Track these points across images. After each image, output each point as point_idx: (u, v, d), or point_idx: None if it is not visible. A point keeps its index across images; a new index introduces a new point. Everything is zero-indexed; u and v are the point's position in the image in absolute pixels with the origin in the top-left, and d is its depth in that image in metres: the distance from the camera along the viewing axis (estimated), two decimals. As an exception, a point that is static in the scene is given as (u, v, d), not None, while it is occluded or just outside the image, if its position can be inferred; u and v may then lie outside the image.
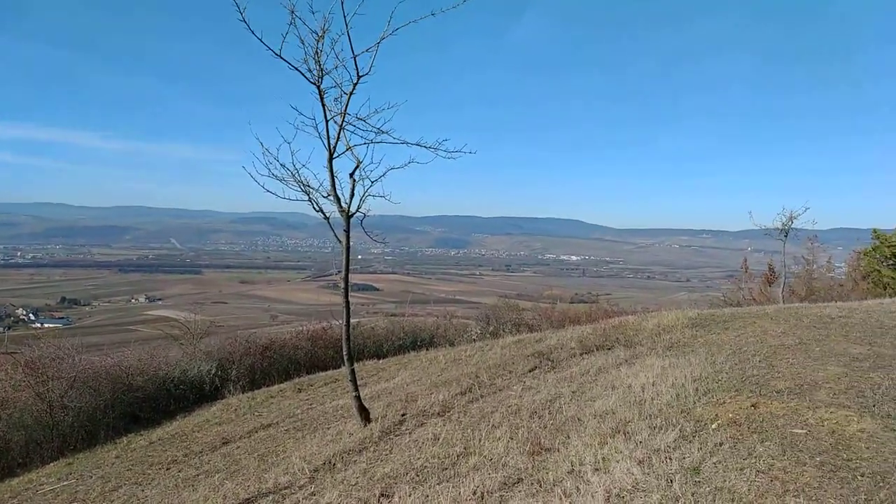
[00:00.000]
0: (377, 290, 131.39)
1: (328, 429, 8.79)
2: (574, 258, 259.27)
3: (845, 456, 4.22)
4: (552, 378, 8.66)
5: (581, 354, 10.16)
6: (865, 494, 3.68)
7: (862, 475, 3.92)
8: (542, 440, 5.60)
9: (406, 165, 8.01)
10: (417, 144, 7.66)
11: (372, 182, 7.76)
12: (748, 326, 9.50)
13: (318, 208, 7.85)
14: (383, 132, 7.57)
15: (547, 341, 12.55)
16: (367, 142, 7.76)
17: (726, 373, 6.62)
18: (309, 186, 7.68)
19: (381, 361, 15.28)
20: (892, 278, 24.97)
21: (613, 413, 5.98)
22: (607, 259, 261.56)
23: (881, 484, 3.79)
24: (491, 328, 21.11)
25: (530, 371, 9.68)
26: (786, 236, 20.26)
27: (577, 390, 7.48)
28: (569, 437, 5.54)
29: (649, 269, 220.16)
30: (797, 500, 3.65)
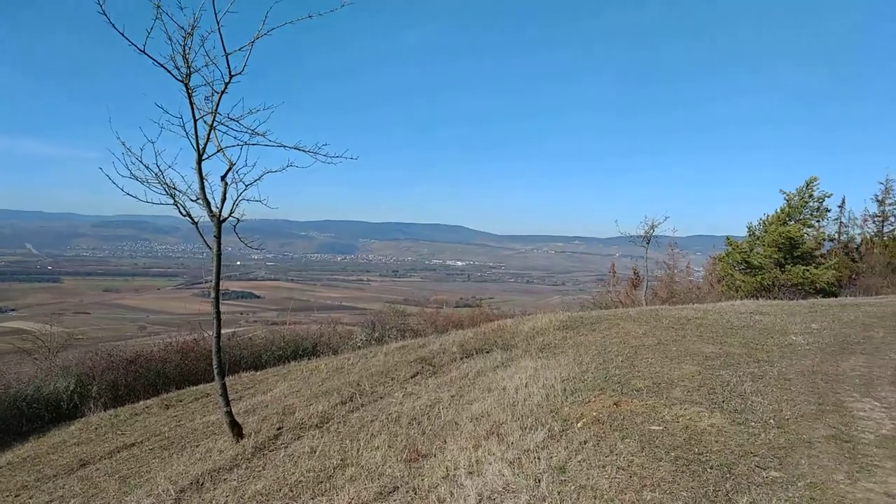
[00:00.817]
0: (258, 297, 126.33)
1: (197, 446, 8.29)
2: (459, 263, 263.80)
3: (697, 450, 4.56)
4: (433, 383, 8.72)
5: (462, 358, 10.33)
6: (714, 486, 3.99)
7: (711, 468, 4.25)
8: (420, 447, 5.61)
9: (284, 169, 7.75)
10: (295, 148, 7.44)
11: (246, 185, 7.42)
12: (613, 328, 10.09)
13: (185, 212, 7.40)
14: (258, 134, 7.28)
15: (430, 346, 12.65)
16: (240, 143, 7.42)
17: (592, 373, 6.97)
18: (175, 189, 7.21)
19: (258, 373, 14.68)
20: (743, 281, 27.56)
21: (488, 415, 6.11)
22: (490, 264, 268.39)
23: (727, 475, 4.13)
24: (376, 335, 20.95)
25: (412, 377, 9.70)
26: (648, 243, 21.81)
27: (456, 394, 7.58)
28: (445, 442, 5.58)
29: (528, 274, 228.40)
30: (653, 494, 3.90)
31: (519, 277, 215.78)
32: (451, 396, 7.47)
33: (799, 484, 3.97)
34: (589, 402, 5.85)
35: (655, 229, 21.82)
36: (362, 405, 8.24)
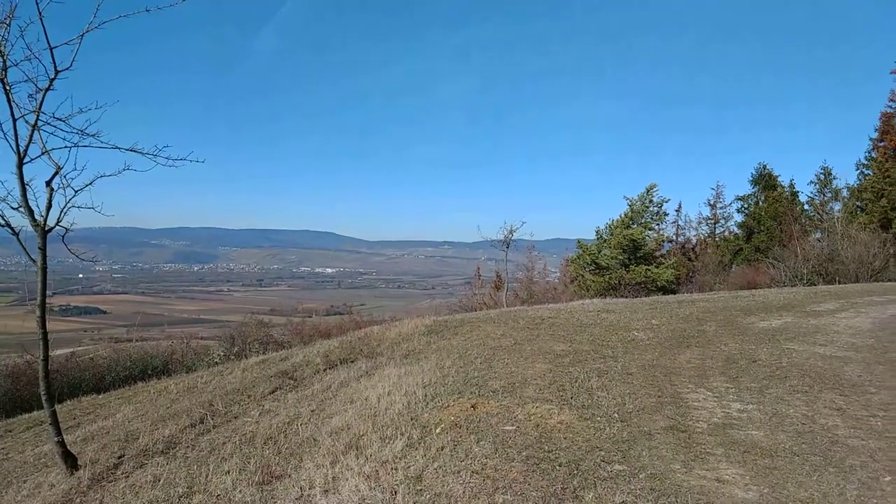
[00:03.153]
0: (104, 312, 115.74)
1: (25, 482, 7.35)
2: (329, 270, 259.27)
3: (547, 448, 4.72)
4: (293, 398, 8.39)
5: (325, 370, 10.06)
6: (562, 483, 4.13)
7: (560, 465, 4.41)
8: (274, 467, 5.34)
9: (120, 173, 7.05)
10: (132, 150, 6.81)
11: (76, 191, 6.70)
12: (474, 331, 10.32)
13: (3, 222, 6.55)
14: (89, 135, 6.60)
15: (293, 359, 12.22)
16: (70, 145, 6.70)
17: (452, 376, 7.06)
18: (-8, 196, 6.36)
19: (101, 396, 13.37)
20: (593, 281, 29.43)
21: (349, 428, 5.96)
22: (361, 270, 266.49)
23: (575, 472, 4.30)
24: (236, 349, 19.91)
25: (271, 393, 9.28)
26: (507, 247, 22.68)
27: (316, 409, 7.34)
28: (302, 460, 5.36)
29: (400, 279, 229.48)
30: (504, 496, 3.97)
31: (391, 283, 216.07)
32: (312, 411, 7.23)
33: (640, 476, 4.22)
34: (448, 406, 5.89)
35: (514, 234, 22.79)
36: (214, 427, 7.74)
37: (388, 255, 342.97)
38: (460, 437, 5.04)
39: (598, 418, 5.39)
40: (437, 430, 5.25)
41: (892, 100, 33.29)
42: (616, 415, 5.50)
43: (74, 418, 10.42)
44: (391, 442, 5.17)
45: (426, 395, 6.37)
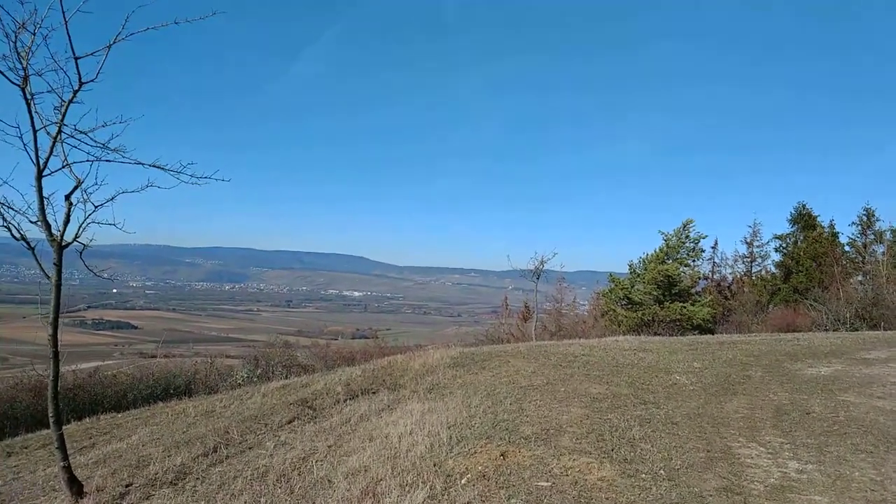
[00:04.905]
0: (135, 327, 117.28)
1: (30, 507, 7.06)
2: (357, 294, 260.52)
3: (586, 508, 4.21)
4: (311, 430, 7.98)
5: (346, 400, 9.64)
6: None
7: (601, 530, 3.90)
8: (285, 511, 4.91)
9: (143, 189, 6.87)
10: (154, 166, 6.59)
11: (96, 207, 6.48)
12: (503, 366, 9.81)
13: (19, 235, 6.35)
14: (111, 149, 6.40)
15: (314, 386, 11.84)
16: (92, 159, 6.50)
17: (479, 417, 6.57)
18: (10, 208, 6.17)
19: (120, 415, 13.14)
20: (625, 316, 28.60)
21: (366, 470, 5.51)
22: (388, 295, 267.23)
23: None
24: (259, 371, 19.67)
25: (289, 422, 8.88)
26: (538, 278, 22.14)
27: (334, 444, 6.91)
28: (314, 505, 4.93)
29: (426, 305, 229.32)
30: (538, 565, 3.47)
31: (417, 308, 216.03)
32: (329, 447, 6.80)
33: (691, 546, 3.70)
34: (475, 453, 5.40)
35: (545, 264, 22.24)
36: (227, 457, 7.35)
37: (416, 280, 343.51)
38: (489, 491, 4.55)
39: (643, 475, 4.85)
40: (463, 482, 4.77)
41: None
42: (662, 472, 4.96)
43: (90, 438, 10.16)
44: (411, 491, 4.71)
45: (451, 438, 5.89)
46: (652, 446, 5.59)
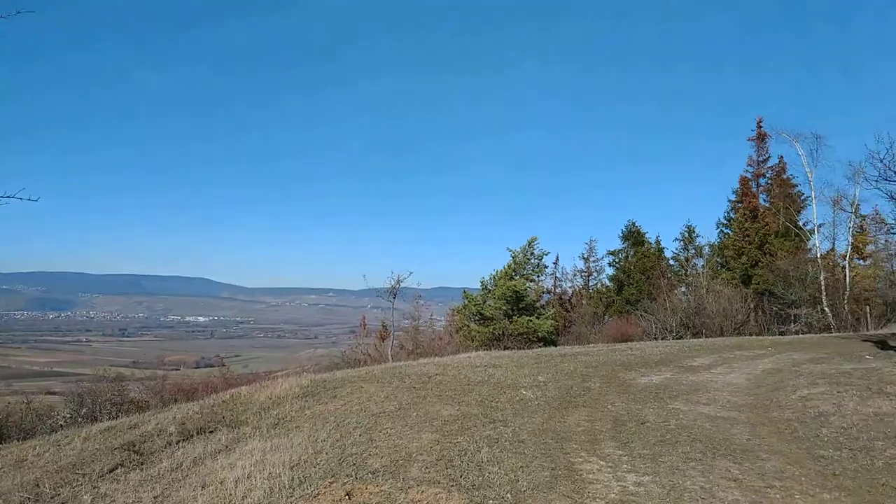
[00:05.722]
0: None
1: None
2: (202, 319, 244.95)
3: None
4: (136, 478, 7.12)
5: (179, 442, 8.76)
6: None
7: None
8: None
9: (-83, 212, 5.79)
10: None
11: None
12: (355, 393, 9.49)
13: None
14: None
15: (144, 426, 10.68)
16: None
17: (326, 453, 6.21)
18: None
19: None
20: (478, 331, 29.34)
21: (196, 526, 4.94)
22: (238, 319, 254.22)
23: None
24: (85, 410, 17.58)
25: (111, 471, 7.87)
26: (394, 297, 22.08)
27: (161, 494, 6.19)
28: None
29: (280, 328, 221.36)
30: None
31: (270, 332, 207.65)
32: (154, 497, 6.07)
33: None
34: (318, 494, 5.04)
35: (402, 283, 22.28)
36: (31, 521, 6.33)
37: (268, 302, 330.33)
38: (331, 536, 4.23)
39: (491, 502, 4.78)
40: (304, 528, 4.41)
41: (749, 164, 36.61)
42: (509, 496, 4.93)
43: None
44: (247, 545, 4.26)
45: (293, 479, 5.47)
46: (499, 468, 5.57)
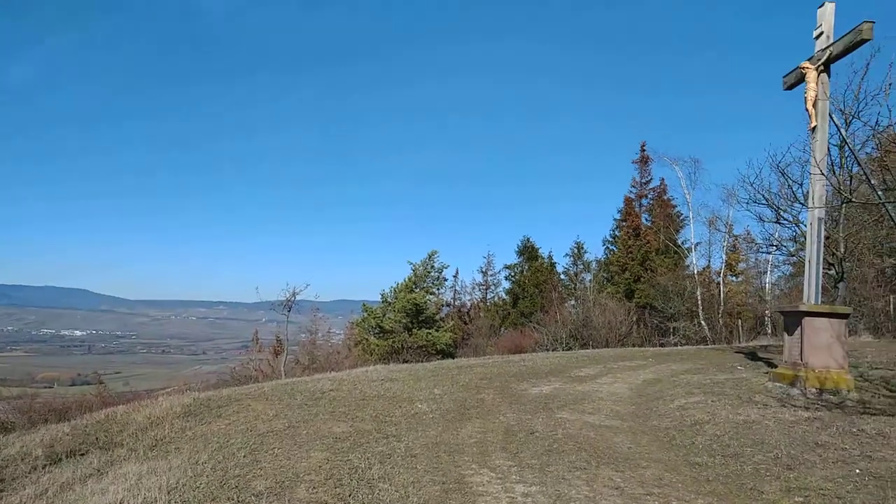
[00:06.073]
0: None
1: None
2: (79, 333, 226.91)
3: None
4: (-11, 512, 6.41)
5: (46, 466, 7.98)
6: None
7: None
8: None
9: None
10: None
11: None
12: (242, 411, 9.07)
13: None
14: None
15: (6, 450, 9.62)
16: None
17: (207, 475, 5.86)
18: None
19: None
20: (377, 345, 29.11)
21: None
22: (118, 333, 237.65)
23: None
24: (-68, 436, 15.67)
25: (-41, 505, 7.04)
26: (289, 311, 21.48)
27: (17, 528, 5.59)
28: None
29: (165, 343, 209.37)
30: None
31: (154, 347, 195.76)
32: (8, 533, 5.48)
33: None
34: (196, 520, 4.74)
35: (298, 295, 21.67)
36: None
37: (152, 315, 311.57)
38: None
39: (380, 521, 4.69)
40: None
41: (633, 185, 38.93)
42: (399, 513, 4.86)
43: None
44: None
45: (170, 504, 5.12)
46: (390, 485, 5.49)
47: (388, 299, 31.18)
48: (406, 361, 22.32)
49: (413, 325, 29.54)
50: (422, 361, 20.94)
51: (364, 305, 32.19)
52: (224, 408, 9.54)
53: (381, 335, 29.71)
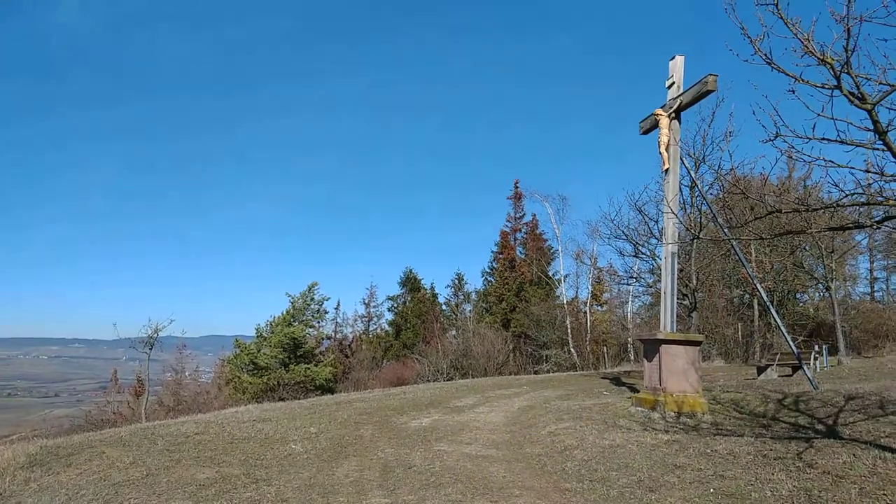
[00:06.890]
0: None
1: None
2: None
3: None
4: None
5: None
6: None
7: None
8: None
9: None
10: None
11: None
12: (95, 459, 8.26)
13: None
14: None
15: None
16: None
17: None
18: None
19: None
20: (251, 382, 27.75)
21: None
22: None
23: None
24: None
25: None
26: (151, 348, 20.07)
27: None
28: None
29: (11, 385, 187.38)
30: None
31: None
32: None
33: None
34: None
35: (161, 332, 20.25)
36: None
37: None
38: None
39: (244, 572, 4.42)
40: None
41: (508, 220, 40.57)
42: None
43: None
44: None
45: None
46: (257, 534, 5.22)
47: (264, 334, 29.93)
48: (282, 399, 21.44)
49: (290, 361, 28.51)
50: (299, 399, 20.22)
51: (237, 341, 30.65)
52: (75, 455, 8.63)
53: (255, 372, 28.37)
